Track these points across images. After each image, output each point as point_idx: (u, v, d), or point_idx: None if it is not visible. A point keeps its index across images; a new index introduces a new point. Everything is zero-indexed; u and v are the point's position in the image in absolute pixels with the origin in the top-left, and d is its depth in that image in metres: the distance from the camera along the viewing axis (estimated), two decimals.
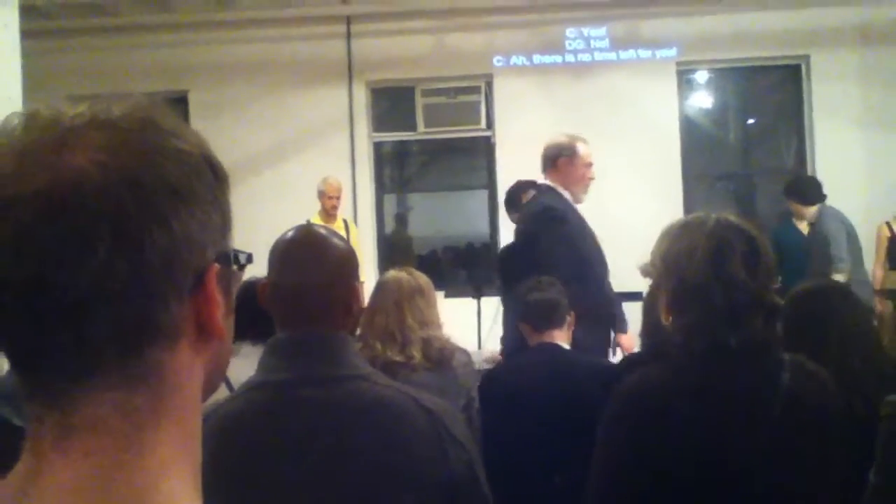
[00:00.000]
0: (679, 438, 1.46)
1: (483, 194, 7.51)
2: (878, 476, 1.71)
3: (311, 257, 1.45)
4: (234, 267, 0.65)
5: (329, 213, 5.96)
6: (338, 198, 5.98)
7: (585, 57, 7.06)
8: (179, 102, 7.19)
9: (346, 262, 1.49)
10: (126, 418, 0.54)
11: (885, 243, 5.78)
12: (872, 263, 5.74)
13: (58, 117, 0.56)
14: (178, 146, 0.57)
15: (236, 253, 0.64)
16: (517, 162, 7.09)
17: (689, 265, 1.50)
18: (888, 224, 5.84)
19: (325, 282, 1.44)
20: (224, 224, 0.61)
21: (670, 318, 1.58)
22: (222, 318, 0.60)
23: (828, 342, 2.22)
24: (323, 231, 1.53)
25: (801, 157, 7.20)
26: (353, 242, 5.68)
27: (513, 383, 2.47)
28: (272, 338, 1.44)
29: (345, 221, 6.09)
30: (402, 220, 7.82)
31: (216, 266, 0.59)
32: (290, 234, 1.48)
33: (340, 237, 1.55)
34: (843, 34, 6.93)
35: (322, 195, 5.97)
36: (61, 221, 0.51)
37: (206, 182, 0.59)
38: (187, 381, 0.58)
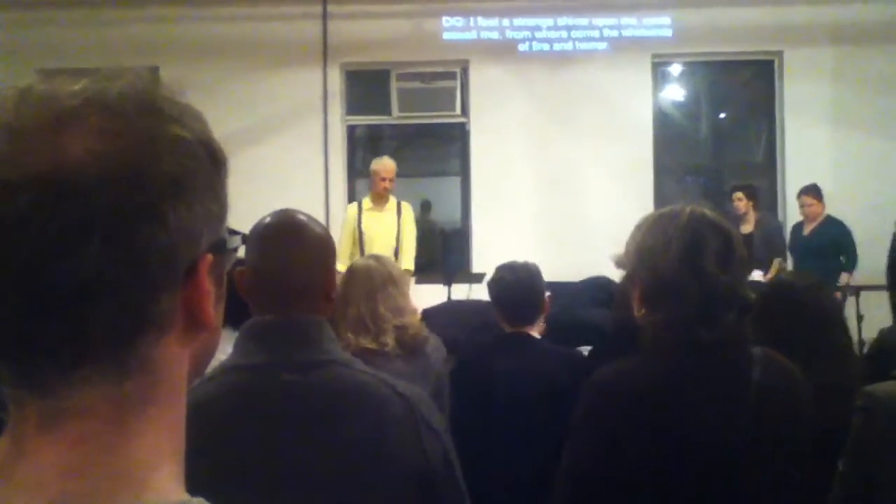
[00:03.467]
0: (651, 432, 1.47)
1: (456, 181, 7.51)
2: (848, 465, 1.74)
3: (290, 242, 1.44)
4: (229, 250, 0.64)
5: (380, 194, 5.67)
6: (391, 179, 5.62)
7: (562, 47, 7.07)
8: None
9: (325, 248, 1.49)
10: (114, 406, 0.54)
11: None
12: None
13: (54, 95, 0.54)
14: (177, 134, 0.56)
15: (230, 235, 0.63)
16: (491, 150, 7.12)
17: (663, 259, 1.51)
18: None
19: (304, 267, 1.44)
20: (220, 212, 0.60)
21: (643, 311, 1.59)
22: (213, 307, 0.59)
23: (796, 336, 2.26)
24: (302, 216, 1.52)
25: (770, 152, 7.30)
26: (407, 226, 5.69)
27: (485, 370, 2.48)
28: (248, 322, 1.43)
29: (399, 204, 5.78)
30: None
31: (209, 257, 0.58)
32: (268, 219, 1.47)
33: (318, 223, 1.54)
34: (816, 32, 7.02)
35: (374, 175, 5.66)
36: (59, 211, 0.50)
37: (205, 171, 0.58)
38: (175, 371, 0.58)
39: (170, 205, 0.53)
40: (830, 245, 6.04)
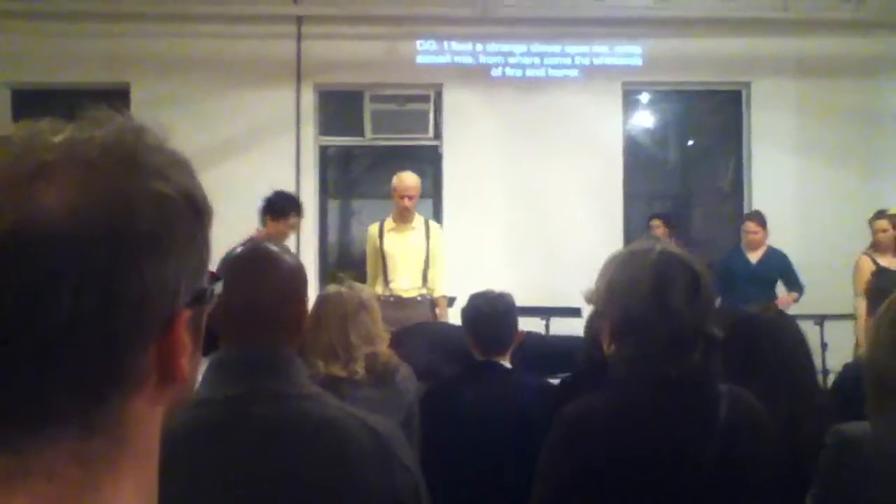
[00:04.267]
0: (619, 468, 1.48)
1: (429, 203, 7.51)
2: (815, 501, 1.76)
3: (260, 274, 1.44)
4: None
5: (401, 214, 5.12)
6: (410, 197, 5.04)
7: (535, 73, 7.14)
8: (120, 95, 7.01)
9: (296, 279, 1.50)
10: (83, 467, 0.52)
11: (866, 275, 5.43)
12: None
13: (33, 147, 0.53)
14: (158, 189, 0.55)
15: (211, 283, 0.62)
16: (464, 172, 7.15)
17: (633, 297, 1.53)
18: (868, 255, 5.64)
19: (274, 299, 1.44)
20: (201, 264, 0.59)
21: (612, 346, 1.61)
22: (189, 360, 0.59)
23: (761, 372, 2.29)
24: (273, 247, 1.52)
25: (738, 179, 7.41)
26: (437, 248, 5.17)
27: (456, 400, 2.47)
28: (216, 354, 1.42)
29: (427, 223, 5.28)
30: (345, 225, 7.77)
31: (187, 311, 0.57)
32: (239, 250, 1.47)
33: (291, 253, 1.54)
34: (782, 64, 7.17)
35: (394, 193, 5.12)
36: (27, 267, 0.49)
37: (186, 225, 0.57)
38: (147, 428, 0.57)
39: (146, 261, 0.53)
40: (775, 274, 6.03)
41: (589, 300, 1.68)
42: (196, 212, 0.59)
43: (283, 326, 1.44)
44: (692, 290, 1.53)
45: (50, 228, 0.50)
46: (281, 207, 4.99)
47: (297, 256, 1.57)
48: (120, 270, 0.51)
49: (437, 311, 5.19)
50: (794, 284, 5.98)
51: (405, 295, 5.06)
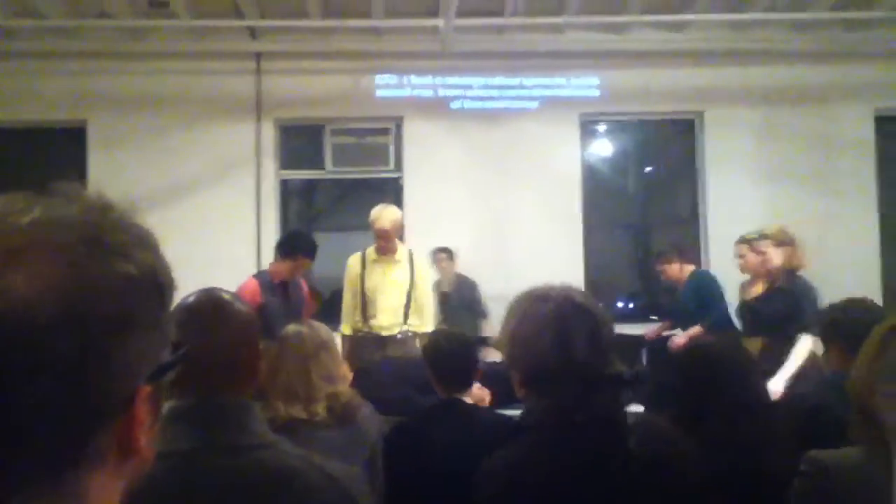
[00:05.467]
0: None
1: None
2: None
3: (213, 322, 1.45)
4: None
5: (382, 248, 4.84)
6: (386, 238, 4.75)
7: (494, 105, 7.23)
8: (77, 133, 6.95)
9: (249, 326, 1.50)
10: None
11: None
12: None
13: (2, 230, 0.54)
14: (121, 270, 0.56)
15: (170, 362, 0.63)
16: (425, 203, 7.19)
17: (536, 348, 1.56)
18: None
19: (227, 346, 1.44)
20: (161, 340, 0.60)
21: (523, 392, 1.64)
22: (146, 433, 0.59)
23: (710, 401, 2.32)
24: (225, 295, 1.52)
25: (695, 207, 7.55)
26: (421, 281, 4.86)
27: (419, 439, 2.47)
28: (172, 405, 1.40)
29: (410, 254, 4.98)
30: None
31: (147, 388, 0.58)
32: (191, 298, 1.46)
33: (242, 301, 1.54)
34: (735, 92, 7.35)
35: (372, 228, 4.84)
36: None
37: (149, 304, 0.58)
38: (107, 500, 0.58)
39: (110, 344, 0.54)
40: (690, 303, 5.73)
41: (497, 348, 1.70)
42: (160, 289, 0.60)
43: (238, 374, 1.44)
44: (594, 337, 1.55)
45: (17, 318, 0.50)
46: (290, 247, 4.91)
47: (248, 304, 1.58)
48: (85, 356, 0.52)
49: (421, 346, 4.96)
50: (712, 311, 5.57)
51: (385, 332, 4.80)
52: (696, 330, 5.51)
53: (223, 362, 1.41)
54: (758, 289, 4.96)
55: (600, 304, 1.66)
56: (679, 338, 5.53)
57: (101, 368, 0.53)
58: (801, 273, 4.74)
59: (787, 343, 4.39)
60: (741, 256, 5.13)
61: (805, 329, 4.38)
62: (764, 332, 4.63)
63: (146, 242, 0.60)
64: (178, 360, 0.65)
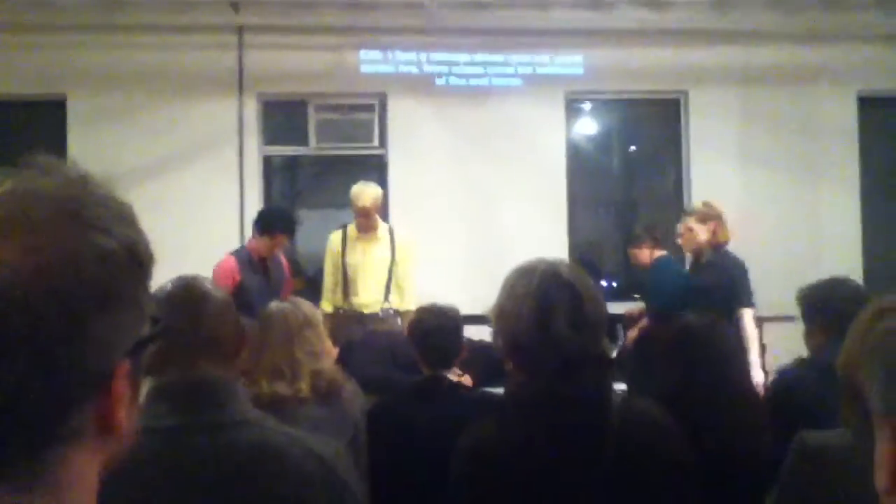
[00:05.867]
0: (513, 491, 1.50)
1: None
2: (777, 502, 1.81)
3: (195, 299, 1.48)
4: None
5: (362, 225, 4.89)
6: (366, 216, 4.83)
7: (478, 82, 7.19)
8: (56, 108, 6.84)
9: (229, 306, 1.52)
10: None
11: None
12: None
13: None
14: (100, 244, 0.55)
15: (150, 336, 0.62)
16: (409, 181, 7.16)
17: (517, 323, 1.54)
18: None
19: (211, 321, 1.47)
20: (141, 315, 0.59)
21: (510, 366, 1.64)
22: (126, 410, 0.58)
23: (701, 380, 2.34)
24: (202, 281, 1.55)
25: (678, 187, 7.57)
26: (403, 258, 4.85)
27: (401, 417, 2.48)
28: (156, 382, 1.40)
29: (391, 232, 5.02)
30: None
31: (127, 363, 0.57)
32: (168, 286, 1.48)
33: (217, 288, 1.57)
34: (719, 73, 7.35)
35: (352, 207, 4.89)
36: None
37: (128, 279, 0.57)
38: (86, 478, 0.57)
39: (91, 319, 0.53)
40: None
41: (490, 318, 1.68)
42: (138, 264, 0.59)
43: (220, 351, 1.45)
44: (576, 313, 1.52)
45: None
46: (266, 224, 4.85)
47: (223, 290, 1.61)
48: (64, 330, 0.52)
49: (403, 324, 4.86)
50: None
51: (366, 310, 4.81)
52: (640, 322, 5.40)
53: (204, 339, 1.43)
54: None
55: (590, 281, 1.61)
56: (631, 331, 5.46)
57: (80, 343, 0.52)
58: (728, 248, 4.78)
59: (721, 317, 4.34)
60: (680, 235, 5.18)
61: (741, 304, 4.42)
62: (697, 308, 4.67)
63: (125, 217, 0.59)
64: (157, 334, 0.65)
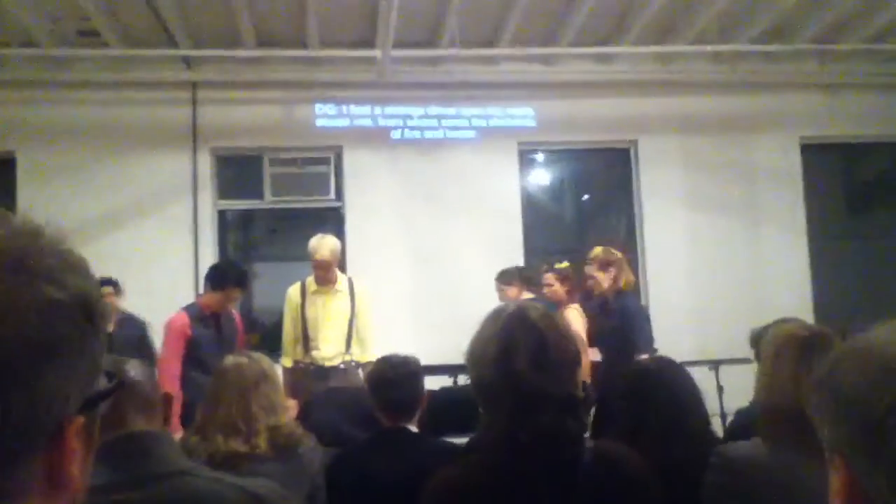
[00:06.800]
0: None
1: None
2: None
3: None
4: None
5: (321, 278, 4.82)
6: (325, 269, 4.75)
7: (433, 134, 7.27)
8: (5, 165, 6.74)
9: (150, 367, 1.55)
10: None
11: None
12: None
13: None
14: (48, 296, 0.53)
15: (103, 392, 0.60)
16: (366, 233, 7.16)
17: (483, 362, 1.54)
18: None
19: (142, 381, 1.50)
20: (93, 369, 0.58)
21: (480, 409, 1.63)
22: (79, 466, 0.57)
23: (657, 420, 2.36)
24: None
25: (631, 232, 7.70)
26: (363, 310, 4.78)
27: (361, 470, 2.43)
28: None
29: (350, 283, 4.95)
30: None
31: (79, 418, 0.56)
32: None
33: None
34: (664, 122, 7.57)
35: (310, 259, 4.82)
36: None
37: (77, 331, 0.55)
38: None
39: (34, 370, 0.51)
40: None
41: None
42: (89, 315, 0.57)
43: (151, 406, 1.45)
44: (539, 353, 1.50)
45: None
46: (218, 278, 4.79)
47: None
48: (6, 385, 0.50)
49: (364, 377, 4.92)
50: None
51: (328, 363, 4.75)
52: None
53: (137, 395, 1.43)
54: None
55: (559, 323, 1.60)
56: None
57: (21, 398, 0.50)
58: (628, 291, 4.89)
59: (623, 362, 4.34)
60: (548, 286, 5.44)
61: (637, 349, 4.47)
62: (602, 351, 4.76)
63: (76, 267, 0.58)
64: (113, 390, 0.63)
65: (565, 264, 5.64)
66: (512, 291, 5.71)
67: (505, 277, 5.86)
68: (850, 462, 0.70)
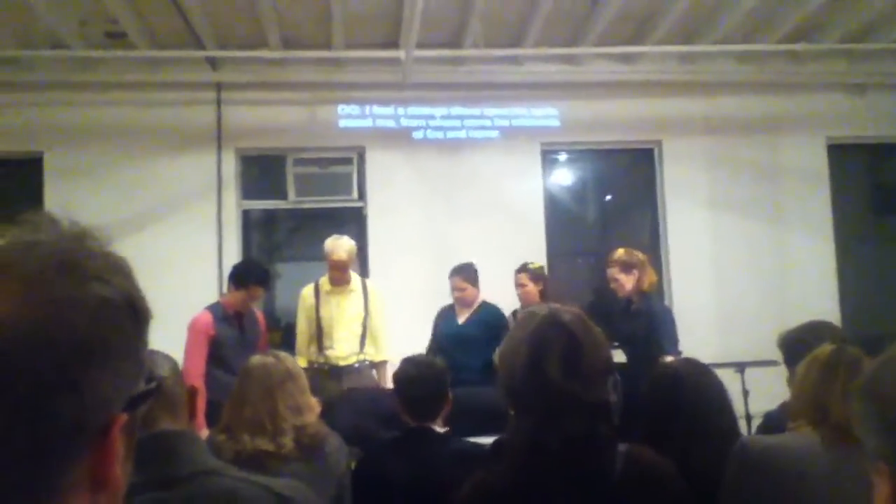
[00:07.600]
0: None
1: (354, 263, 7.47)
2: None
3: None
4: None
5: (335, 278, 4.90)
6: (340, 269, 4.83)
7: (455, 135, 7.27)
8: (33, 165, 6.82)
9: (175, 364, 1.56)
10: None
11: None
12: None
13: None
14: (97, 294, 0.54)
15: (146, 391, 0.61)
16: (388, 233, 7.17)
17: (513, 365, 1.52)
18: None
19: (170, 380, 1.52)
20: (138, 369, 0.58)
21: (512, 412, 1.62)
22: (121, 465, 0.57)
23: (684, 422, 2.34)
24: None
25: (655, 234, 7.65)
26: (376, 310, 4.87)
27: (386, 470, 2.43)
28: None
29: (364, 284, 5.03)
30: (270, 289, 7.63)
31: (123, 417, 0.56)
32: None
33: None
34: (689, 123, 7.51)
35: (327, 260, 4.92)
36: None
37: (125, 331, 0.56)
38: None
39: (84, 372, 0.52)
40: (487, 331, 5.25)
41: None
42: (136, 316, 0.58)
43: (177, 404, 1.45)
44: (570, 356, 1.48)
45: None
46: (240, 276, 4.84)
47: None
48: (56, 387, 0.50)
49: (378, 376, 4.94)
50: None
51: (342, 363, 4.79)
52: None
53: (158, 394, 1.45)
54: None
55: (594, 329, 1.56)
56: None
57: (70, 400, 0.51)
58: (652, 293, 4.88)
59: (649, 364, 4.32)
60: (521, 286, 5.40)
61: (663, 351, 4.43)
62: (627, 354, 4.75)
63: (121, 268, 0.59)
64: (154, 390, 0.64)
65: (538, 264, 5.63)
66: (468, 291, 5.55)
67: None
68: None
